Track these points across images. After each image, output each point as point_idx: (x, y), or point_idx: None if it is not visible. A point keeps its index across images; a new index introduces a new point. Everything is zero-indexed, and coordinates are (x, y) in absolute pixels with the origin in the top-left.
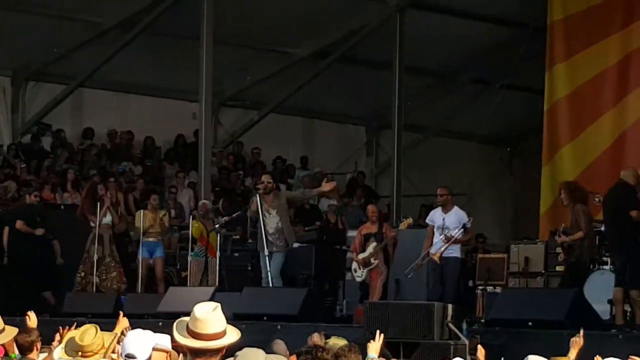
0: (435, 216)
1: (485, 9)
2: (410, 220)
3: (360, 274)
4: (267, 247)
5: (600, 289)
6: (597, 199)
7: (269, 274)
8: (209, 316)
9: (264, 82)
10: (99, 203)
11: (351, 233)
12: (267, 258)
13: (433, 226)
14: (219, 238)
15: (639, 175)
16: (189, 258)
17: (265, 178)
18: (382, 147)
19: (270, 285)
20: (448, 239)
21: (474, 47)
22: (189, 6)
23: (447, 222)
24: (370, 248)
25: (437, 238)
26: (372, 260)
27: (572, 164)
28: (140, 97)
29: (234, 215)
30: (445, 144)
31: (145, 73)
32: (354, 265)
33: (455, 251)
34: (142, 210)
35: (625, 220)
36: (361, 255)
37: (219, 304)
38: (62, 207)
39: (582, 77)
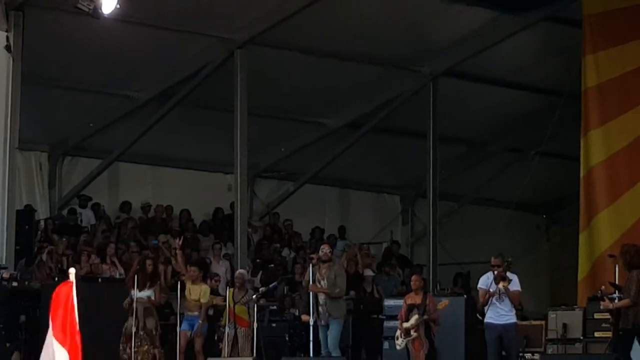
0: (488, 282)
1: (519, 77)
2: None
3: (400, 342)
4: (320, 318)
5: None
6: None
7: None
8: None
9: (299, 153)
10: (136, 276)
11: (387, 302)
12: (321, 329)
13: (485, 290)
14: (255, 308)
15: None
16: (226, 329)
17: (325, 247)
18: (417, 216)
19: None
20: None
21: (507, 115)
22: (223, 79)
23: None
24: (412, 320)
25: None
26: (412, 332)
27: (609, 230)
28: (175, 170)
29: (270, 286)
30: (480, 212)
31: (180, 146)
32: (397, 332)
33: (512, 317)
34: (189, 284)
35: None
36: (404, 325)
37: None
38: (100, 280)
39: (618, 143)
